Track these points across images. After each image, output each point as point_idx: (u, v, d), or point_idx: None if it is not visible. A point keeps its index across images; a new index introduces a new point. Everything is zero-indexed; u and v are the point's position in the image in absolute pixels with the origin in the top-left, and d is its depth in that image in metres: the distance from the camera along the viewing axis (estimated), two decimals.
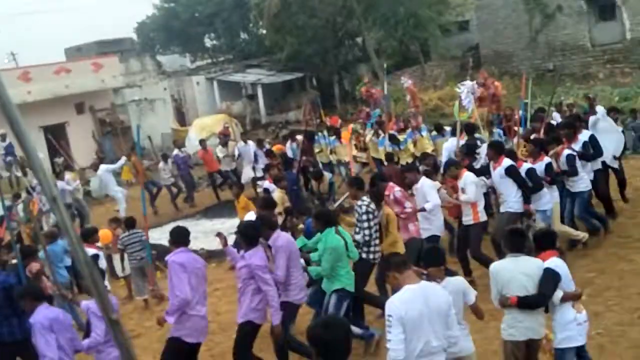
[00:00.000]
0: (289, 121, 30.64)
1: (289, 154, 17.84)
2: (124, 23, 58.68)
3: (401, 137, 16.25)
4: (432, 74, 30.95)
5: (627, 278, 8.90)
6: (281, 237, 7.54)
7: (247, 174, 18.57)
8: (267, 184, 12.81)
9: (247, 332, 7.16)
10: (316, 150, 17.94)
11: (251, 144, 19.17)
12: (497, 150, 9.76)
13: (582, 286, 8.77)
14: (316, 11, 30.78)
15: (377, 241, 8.35)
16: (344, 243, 7.59)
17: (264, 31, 35.96)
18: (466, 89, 12.05)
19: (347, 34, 32.95)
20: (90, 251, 9.97)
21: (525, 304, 5.72)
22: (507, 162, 9.47)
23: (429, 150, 15.27)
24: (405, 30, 30.21)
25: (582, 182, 10.25)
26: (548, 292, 5.73)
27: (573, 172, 10.06)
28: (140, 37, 42.09)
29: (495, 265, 6.03)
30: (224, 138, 19.81)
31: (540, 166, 9.76)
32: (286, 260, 7.34)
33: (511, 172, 9.38)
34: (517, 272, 5.78)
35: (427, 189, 9.41)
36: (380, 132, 16.70)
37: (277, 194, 11.85)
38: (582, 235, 10.13)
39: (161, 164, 19.08)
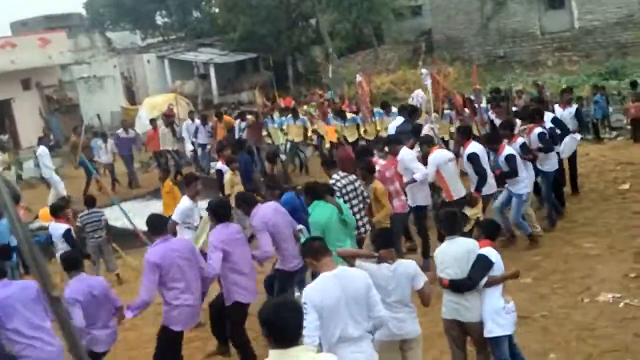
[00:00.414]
0: (241, 102, 30.41)
1: (236, 132, 17.86)
2: None
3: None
4: (385, 58, 31.08)
5: (572, 262, 9.13)
6: (257, 214, 7.58)
7: (187, 147, 18.99)
8: (219, 164, 12.67)
9: (237, 313, 7.19)
10: (264, 133, 17.99)
11: (197, 121, 19.00)
12: (464, 134, 10.01)
13: (529, 269, 9.04)
14: None
15: (362, 214, 8.47)
16: (338, 210, 7.59)
17: (217, 10, 35.54)
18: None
19: (301, 15, 32.78)
20: (62, 227, 9.98)
21: (455, 287, 5.92)
22: (471, 147, 9.62)
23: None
24: (359, 13, 30.22)
25: (550, 162, 10.46)
26: (475, 277, 5.86)
27: (548, 148, 10.26)
28: (89, 12, 41.15)
29: (437, 250, 6.23)
30: (167, 119, 19.70)
31: (515, 146, 9.90)
32: (267, 236, 7.45)
33: (471, 159, 9.51)
34: (451, 254, 6.00)
35: (409, 163, 9.53)
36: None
37: (228, 175, 11.78)
38: (539, 230, 10.17)
39: (100, 143, 18.66)
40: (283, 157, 15.27)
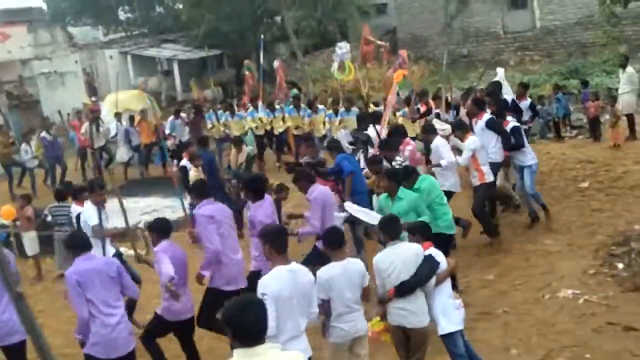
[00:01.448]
0: (206, 98, 30.16)
1: (167, 129, 18.27)
2: None
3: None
4: (350, 56, 31.08)
5: (533, 259, 9.28)
6: (317, 190, 7.89)
7: (121, 153, 19.06)
8: (183, 161, 12.70)
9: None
10: (209, 126, 18.25)
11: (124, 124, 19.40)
12: (478, 106, 10.41)
13: (490, 266, 9.17)
14: None
15: None
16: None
17: (181, 6, 35.17)
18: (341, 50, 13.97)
19: (266, 12, 32.63)
20: (78, 209, 9.68)
21: (403, 290, 5.84)
22: (486, 116, 10.13)
23: (322, 130, 16.49)
24: (324, 10, 30.23)
25: (530, 155, 10.59)
26: (424, 275, 5.90)
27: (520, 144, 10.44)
28: (50, 7, 40.27)
29: (376, 258, 6.07)
30: (93, 114, 19.69)
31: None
32: (321, 211, 7.66)
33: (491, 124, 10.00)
34: (397, 261, 5.90)
35: (442, 148, 9.84)
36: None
37: (192, 172, 11.82)
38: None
39: (23, 145, 18.09)
40: (247, 147, 15.37)
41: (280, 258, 5.19)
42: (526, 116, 12.73)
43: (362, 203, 8.76)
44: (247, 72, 19.92)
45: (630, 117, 15.55)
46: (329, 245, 5.90)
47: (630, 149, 14.60)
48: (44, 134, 18.37)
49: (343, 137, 14.19)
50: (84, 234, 6.92)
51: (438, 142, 10.00)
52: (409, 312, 5.89)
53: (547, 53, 26.82)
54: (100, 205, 8.47)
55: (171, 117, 18.67)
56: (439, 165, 9.74)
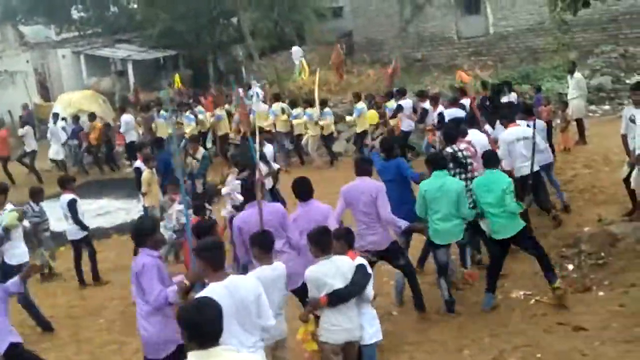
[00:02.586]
0: (160, 99, 29.84)
1: (122, 127, 18.80)
2: None
3: None
4: (306, 58, 31.17)
5: (486, 261, 9.40)
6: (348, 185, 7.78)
7: (53, 150, 19.66)
8: (137, 162, 12.67)
9: None
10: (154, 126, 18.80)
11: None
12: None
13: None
14: None
15: None
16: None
17: (135, 5, 34.74)
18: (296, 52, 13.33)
19: (223, 13, 32.43)
20: (69, 196, 10.62)
21: (337, 298, 5.65)
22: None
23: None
24: (281, 12, 30.23)
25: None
26: (361, 283, 5.77)
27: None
28: (0, 4, 39.41)
29: (310, 270, 5.79)
30: (25, 117, 20.19)
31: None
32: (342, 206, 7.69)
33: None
34: (334, 270, 5.71)
35: (485, 143, 9.40)
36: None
37: (146, 173, 11.78)
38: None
39: None
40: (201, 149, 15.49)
41: (217, 276, 4.94)
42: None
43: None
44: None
45: (579, 122, 15.93)
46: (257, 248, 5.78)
47: (579, 152, 14.98)
48: None
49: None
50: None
51: (477, 138, 9.57)
52: (352, 325, 5.76)
53: (500, 58, 27.25)
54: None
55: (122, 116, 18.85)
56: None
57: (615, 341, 6.70)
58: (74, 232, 10.76)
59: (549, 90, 20.63)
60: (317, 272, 5.71)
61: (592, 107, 19.63)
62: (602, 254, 8.71)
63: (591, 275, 8.36)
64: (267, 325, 5.06)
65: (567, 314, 7.45)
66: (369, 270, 5.98)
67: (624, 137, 9.63)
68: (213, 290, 4.79)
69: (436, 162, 8.02)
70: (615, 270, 8.35)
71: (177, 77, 23.91)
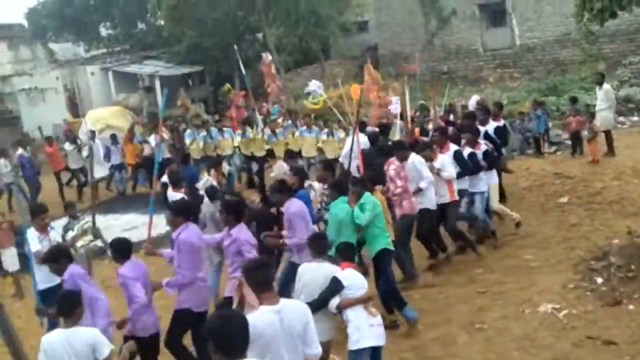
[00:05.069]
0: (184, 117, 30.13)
1: (152, 146, 17.96)
2: (13, 8, 55.99)
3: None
4: (332, 73, 31.27)
5: (513, 274, 9.33)
6: (294, 203, 7.95)
7: (97, 171, 18.48)
8: (164, 178, 12.63)
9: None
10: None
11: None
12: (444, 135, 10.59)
13: (470, 282, 9.21)
14: (216, 3, 30.37)
15: None
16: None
17: (162, 22, 35.19)
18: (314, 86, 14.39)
19: (248, 29, 32.74)
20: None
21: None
22: (453, 147, 10.26)
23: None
24: (306, 27, 30.38)
25: (483, 181, 10.62)
26: (323, 297, 6.04)
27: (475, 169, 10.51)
28: (30, 23, 40.18)
29: (302, 267, 6.31)
30: (70, 135, 19.67)
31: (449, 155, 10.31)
32: (304, 224, 7.79)
33: (456, 157, 10.12)
34: (316, 277, 6.14)
35: (419, 166, 9.52)
36: (276, 129, 17.26)
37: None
38: (517, 215, 11.02)
39: (2, 160, 17.34)
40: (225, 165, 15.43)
41: (263, 297, 4.72)
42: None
43: None
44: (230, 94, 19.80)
45: (608, 134, 15.75)
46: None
47: (608, 164, 14.79)
48: (20, 151, 17.97)
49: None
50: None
51: (414, 160, 9.54)
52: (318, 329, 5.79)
53: (527, 70, 27.13)
54: (43, 230, 8.65)
55: (152, 136, 18.47)
56: (419, 190, 9.41)
57: None
58: None
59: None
60: (305, 271, 6.22)
61: (621, 119, 19.42)
62: (632, 267, 8.55)
63: (621, 289, 8.21)
64: (313, 354, 4.82)
65: (596, 328, 7.33)
66: (347, 282, 6.09)
67: None
68: (263, 315, 4.57)
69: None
70: None
71: (228, 86, 23.99)
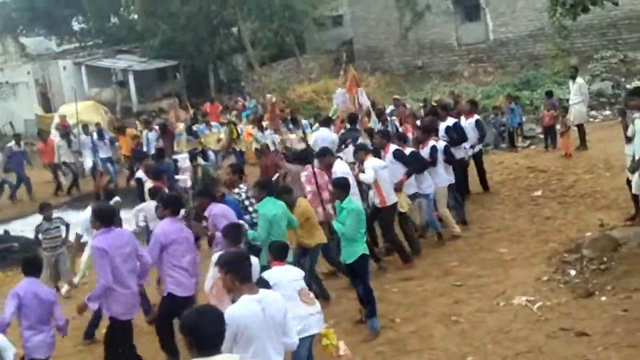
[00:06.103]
0: (162, 109, 29.88)
1: (144, 143, 17.78)
2: None
3: None
4: (307, 67, 31.26)
5: (488, 267, 9.41)
6: (217, 206, 8.08)
7: (87, 164, 18.80)
8: (139, 173, 12.59)
9: (169, 305, 7.37)
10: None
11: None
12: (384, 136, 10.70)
13: (446, 275, 9.27)
14: None
15: None
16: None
17: (136, 16, 34.87)
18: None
19: (223, 23, 32.57)
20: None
21: None
22: (392, 147, 10.26)
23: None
24: (281, 21, 30.32)
25: (428, 182, 10.66)
26: None
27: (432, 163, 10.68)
28: (1, 17, 39.58)
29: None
30: (63, 129, 19.62)
31: (425, 150, 10.71)
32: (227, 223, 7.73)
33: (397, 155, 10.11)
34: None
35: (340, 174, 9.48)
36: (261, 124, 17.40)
37: (149, 184, 11.67)
38: (458, 230, 10.91)
39: None
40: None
41: (243, 288, 4.74)
42: (473, 135, 12.42)
43: None
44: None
45: (580, 127, 15.92)
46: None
47: (580, 158, 14.96)
48: (11, 143, 18.56)
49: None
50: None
51: (337, 167, 9.73)
52: None
53: (500, 65, 27.30)
54: None
55: (144, 132, 18.32)
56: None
57: (619, 346, 6.66)
58: None
59: None
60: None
61: (593, 113, 19.63)
62: (605, 259, 8.65)
63: (594, 281, 8.30)
64: (291, 343, 4.96)
65: (570, 320, 7.40)
66: (272, 282, 6.03)
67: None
68: (246, 305, 4.63)
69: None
70: (618, 275, 8.29)
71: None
